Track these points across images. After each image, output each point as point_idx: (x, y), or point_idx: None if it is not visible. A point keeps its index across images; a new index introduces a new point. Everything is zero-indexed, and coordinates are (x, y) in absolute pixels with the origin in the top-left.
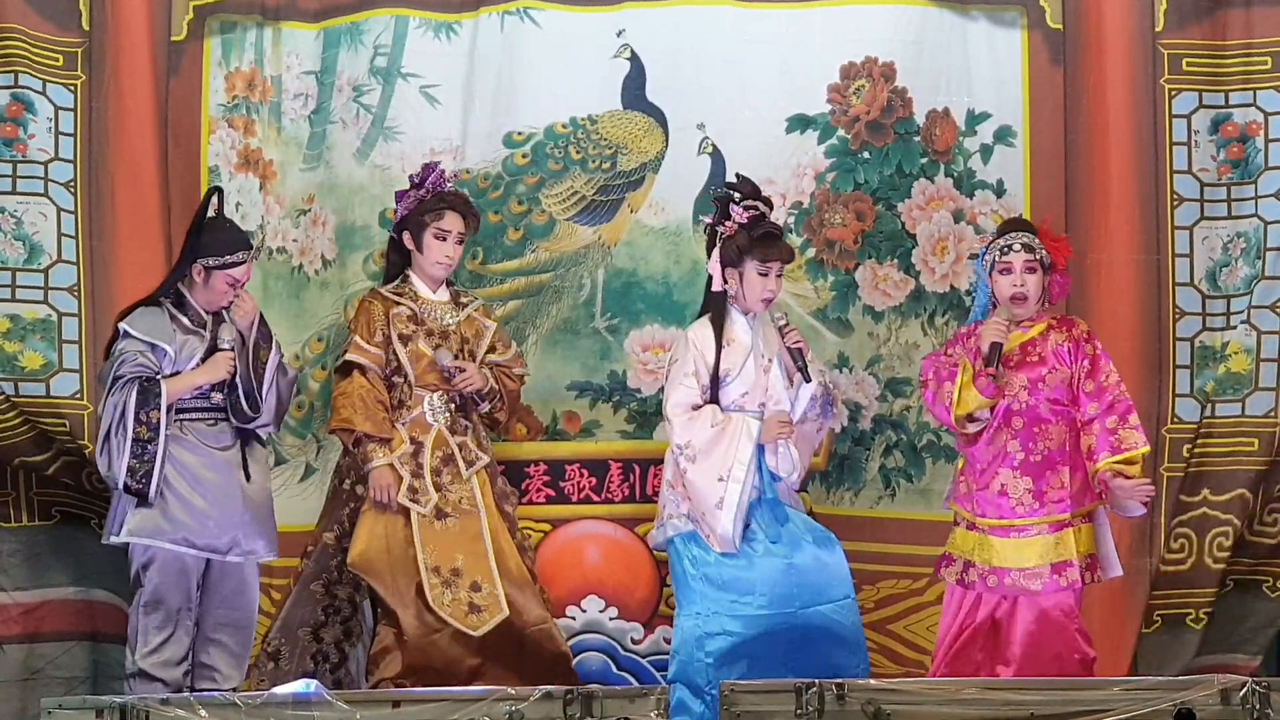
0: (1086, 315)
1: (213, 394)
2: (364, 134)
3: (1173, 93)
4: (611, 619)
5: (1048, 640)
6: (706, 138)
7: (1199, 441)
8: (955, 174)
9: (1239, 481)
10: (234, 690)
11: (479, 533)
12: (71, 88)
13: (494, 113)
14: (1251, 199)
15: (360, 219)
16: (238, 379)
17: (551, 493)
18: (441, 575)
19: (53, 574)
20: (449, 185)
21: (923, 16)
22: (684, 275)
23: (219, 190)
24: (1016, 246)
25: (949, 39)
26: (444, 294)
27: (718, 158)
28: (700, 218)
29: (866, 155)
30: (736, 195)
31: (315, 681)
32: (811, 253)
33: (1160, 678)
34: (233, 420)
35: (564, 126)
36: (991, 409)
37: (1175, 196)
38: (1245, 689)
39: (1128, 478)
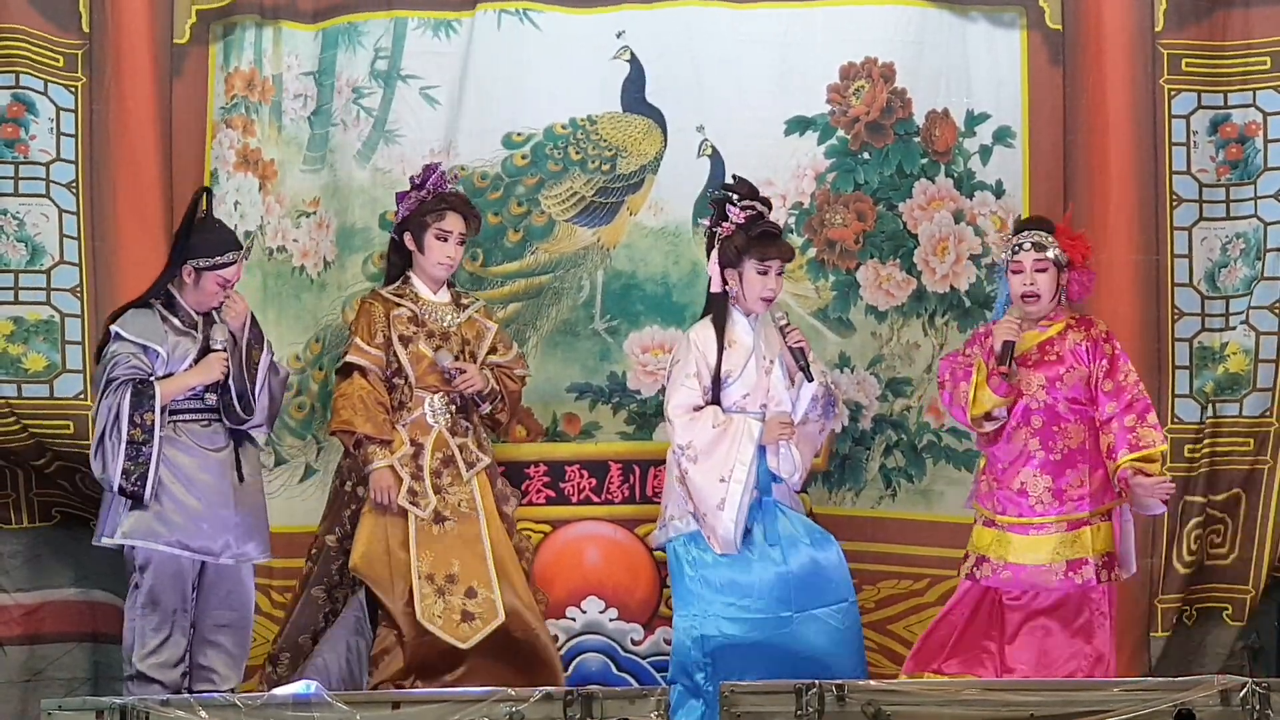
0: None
1: (206, 395)
2: (364, 136)
3: (1172, 93)
4: (611, 620)
5: (1063, 630)
6: (706, 139)
7: (1205, 442)
8: (955, 174)
9: (1235, 482)
10: (232, 691)
11: (478, 536)
12: (73, 89)
13: (493, 114)
14: (1250, 199)
15: (360, 221)
16: (230, 380)
17: (551, 494)
18: (435, 583)
19: (53, 575)
20: (449, 186)
21: (922, 17)
22: (683, 277)
23: (208, 191)
24: (1027, 245)
25: (948, 39)
26: (445, 295)
27: (717, 159)
28: (699, 219)
29: (866, 156)
30: (734, 196)
31: (315, 682)
32: (812, 253)
33: (1160, 678)
34: (226, 422)
35: (563, 127)
36: (1009, 408)
37: (1174, 197)
38: (1245, 690)
39: (1147, 475)
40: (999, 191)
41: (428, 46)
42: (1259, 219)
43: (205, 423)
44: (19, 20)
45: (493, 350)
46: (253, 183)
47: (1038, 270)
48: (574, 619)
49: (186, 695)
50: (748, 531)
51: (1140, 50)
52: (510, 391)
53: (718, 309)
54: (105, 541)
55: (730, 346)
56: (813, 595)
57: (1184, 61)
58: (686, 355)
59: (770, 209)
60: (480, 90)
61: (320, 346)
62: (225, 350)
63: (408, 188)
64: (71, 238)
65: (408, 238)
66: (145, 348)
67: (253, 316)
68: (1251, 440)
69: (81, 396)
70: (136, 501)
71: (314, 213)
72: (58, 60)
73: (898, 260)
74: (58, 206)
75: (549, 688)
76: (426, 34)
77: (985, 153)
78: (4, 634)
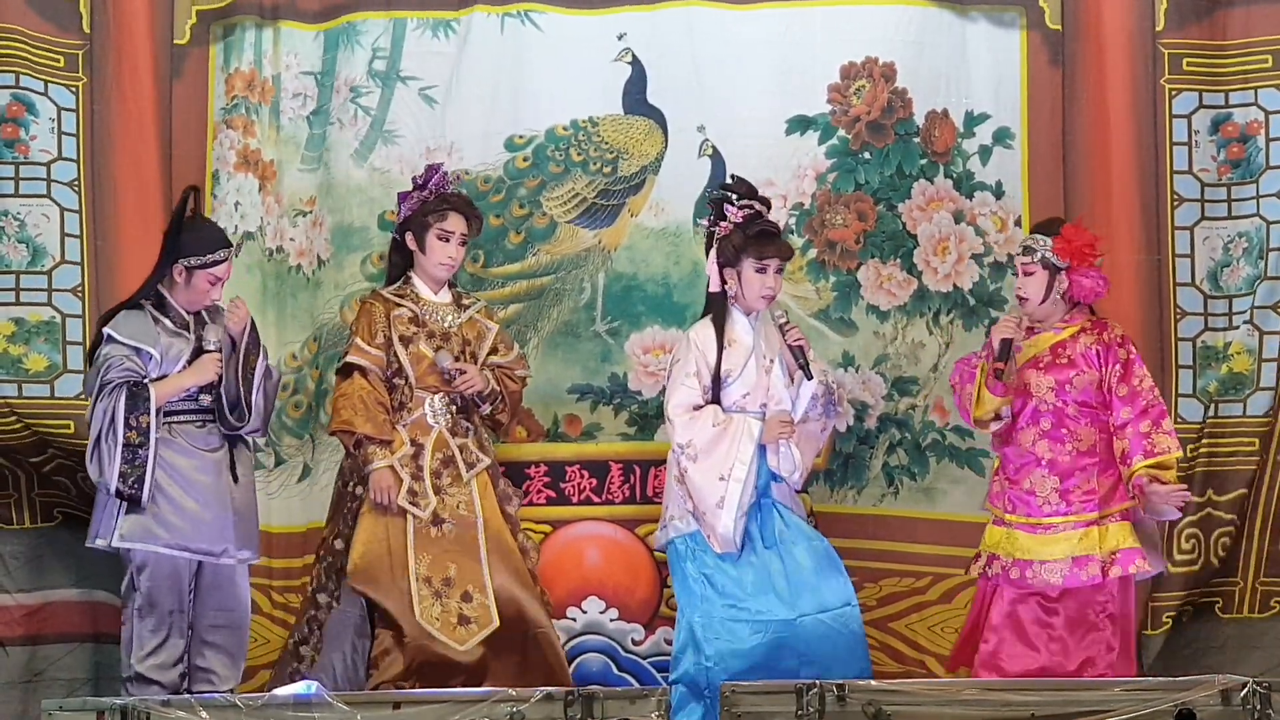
0: None
1: (201, 396)
2: (362, 136)
3: (1173, 93)
4: (612, 620)
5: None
6: (706, 140)
7: (1204, 441)
8: (955, 175)
9: (1240, 481)
10: (232, 692)
11: (475, 540)
12: (73, 89)
13: (494, 115)
14: (1253, 198)
15: (358, 220)
16: (223, 387)
17: (552, 494)
18: (433, 586)
19: (55, 576)
20: (451, 187)
21: (923, 17)
22: (684, 277)
23: (195, 190)
24: (1020, 249)
25: (948, 39)
26: (445, 295)
27: (718, 159)
28: (699, 220)
29: (867, 156)
30: (732, 196)
31: (315, 683)
32: (813, 253)
33: (1161, 678)
34: (221, 427)
35: (565, 129)
36: (1013, 408)
37: (1175, 197)
38: (1246, 689)
39: (1163, 483)
40: (999, 192)
41: (427, 47)
42: (1261, 218)
43: (200, 423)
44: (19, 21)
45: (494, 351)
46: (253, 183)
47: (1025, 273)
48: (574, 619)
49: (187, 696)
50: (747, 531)
51: (1141, 50)
52: (511, 392)
53: (717, 308)
54: (99, 544)
55: (730, 346)
56: (815, 598)
57: (1185, 61)
58: (686, 354)
59: (769, 208)
60: (482, 92)
61: (317, 345)
62: (218, 351)
63: (406, 188)
64: (73, 237)
65: (409, 238)
66: (138, 350)
67: (252, 322)
68: (1257, 440)
69: (82, 397)
70: (134, 504)
71: (310, 212)
72: (58, 61)
73: (898, 260)
74: (59, 206)
75: (549, 688)
76: (426, 35)
77: (985, 153)
78: (6, 634)
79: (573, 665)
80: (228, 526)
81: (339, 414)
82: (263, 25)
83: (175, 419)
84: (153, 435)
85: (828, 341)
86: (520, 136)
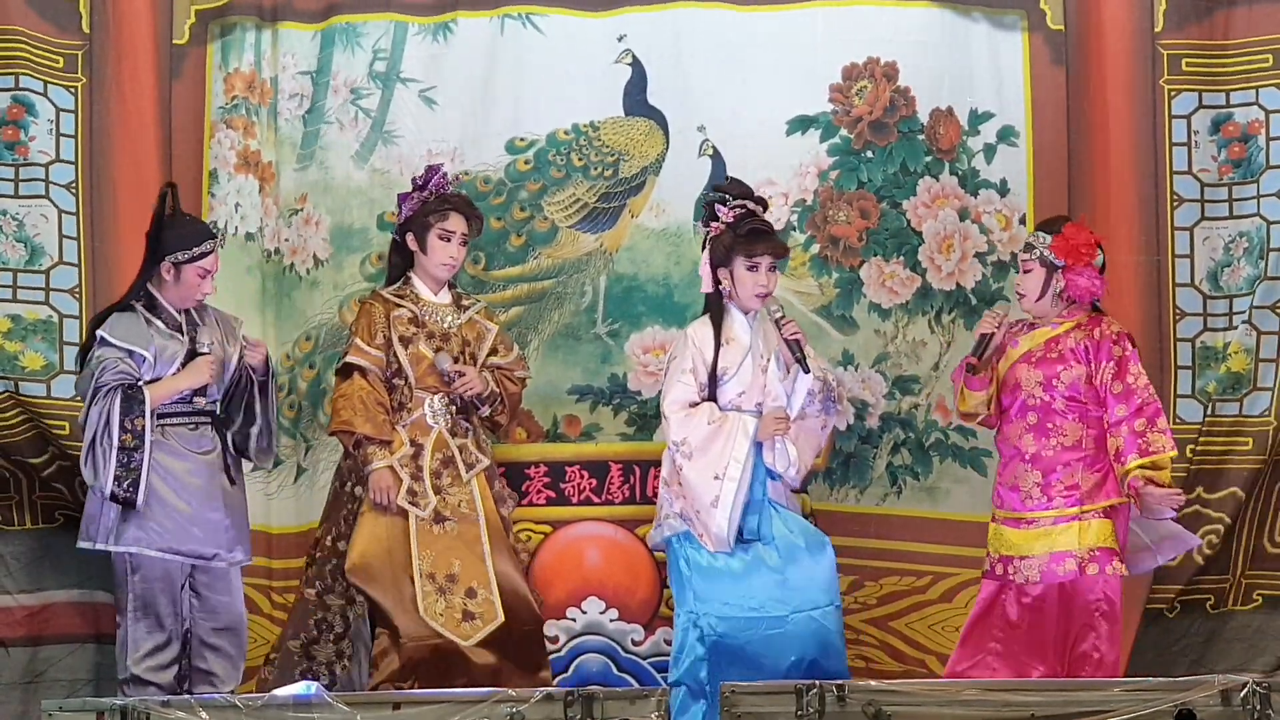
0: None
1: (195, 398)
2: (362, 137)
3: (1172, 93)
4: (612, 620)
5: (1064, 621)
6: (707, 140)
7: (1201, 440)
8: (960, 173)
9: (1232, 480)
10: (232, 693)
11: (477, 537)
12: (72, 90)
13: (495, 118)
14: (1253, 198)
15: (358, 221)
16: (256, 426)
17: (552, 494)
18: (436, 582)
19: (56, 576)
20: (451, 187)
21: (925, 17)
22: (685, 277)
23: (173, 186)
24: (1022, 245)
25: (951, 39)
26: (445, 296)
27: (718, 160)
28: (700, 221)
29: (870, 154)
30: (725, 197)
31: (315, 683)
32: (816, 250)
33: (1161, 678)
34: (238, 451)
35: (566, 133)
36: (995, 402)
37: (1175, 197)
38: (1246, 689)
39: (1158, 484)
40: (1003, 190)
41: (428, 50)
42: (1262, 217)
43: (193, 426)
44: (18, 22)
45: (493, 351)
46: (253, 184)
47: (1025, 270)
48: (574, 619)
49: (187, 696)
50: (741, 530)
51: (1140, 51)
52: (510, 393)
53: (715, 307)
54: (86, 545)
55: (727, 344)
56: (805, 596)
57: (1184, 61)
58: (683, 351)
59: (766, 209)
60: (483, 95)
61: (311, 344)
62: (211, 353)
63: (406, 189)
64: (71, 238)
65: (410, 238)
66: (131, 352)
67: (266, 354)
68: (1251, 440)
69: (77, 398)
70: (128, 507)
71: (301, 209)
72: (58, 61)
73: (901, 258)
74: (57, 207)
75: (549, 688)
76: (427, 38)
77: (989, 151)
78: (7, 635)
79: (573, 665)
80: (220, 529)
81: (339, 414)
82: (262, 26)
83: (168, 421)
84: (147, 438)
85: (829, 339)
86: (521, 139)
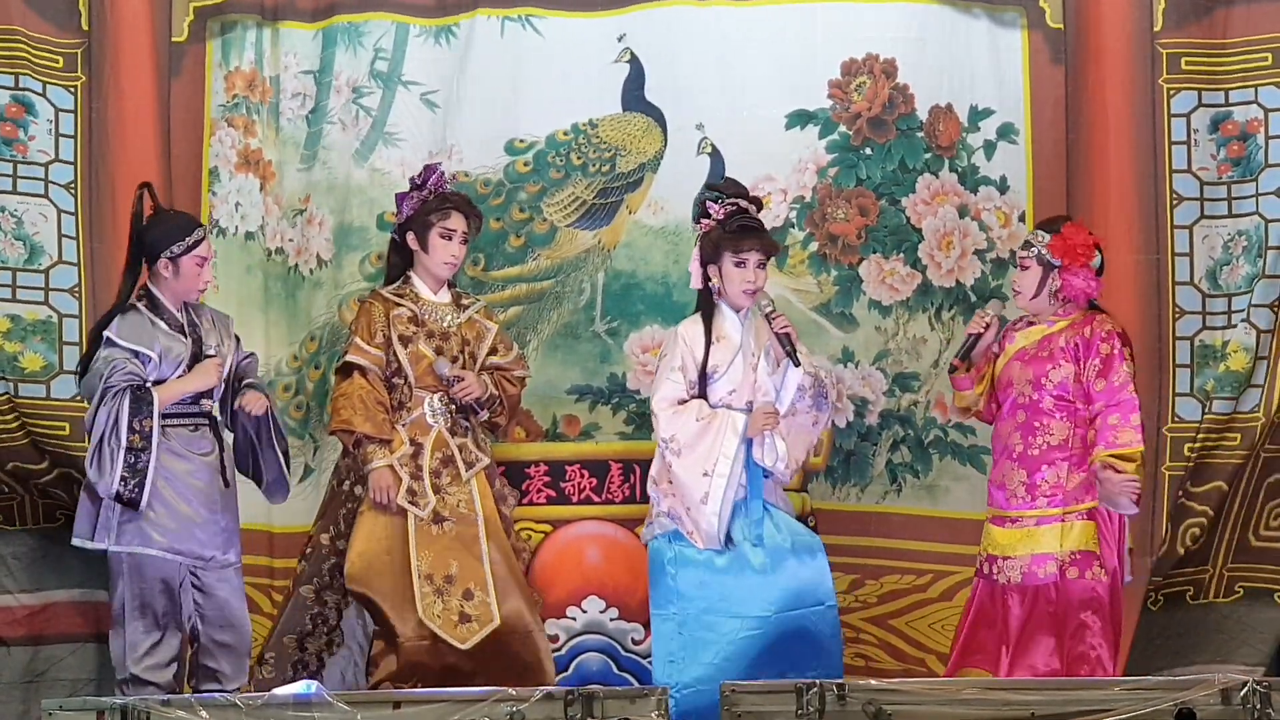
0: None
1: (202, 400)
2: (363, 136)
3: (1171, 92)
4: (612, 619)
5: (1050, 626)
6: (705, 137)
7: (1199, 438)
8: (959, 170)
9: (1216, 473)
10: (237, 690)
11: (476, 539)
12: (72, 89)
13: (495, 119)
14: (1252, 196)
15: (358, 220)
16: (266, 470)
17: (552, 493)
18: (434, 583)
19: (58, 576)
20: (449, 186)
21: (924, 14)
22: (683, 275)
23: (148, 186)
24: (1021, 243)
25: (950, 36)
26: (445, 295)
27: (717, 157)
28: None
29: (868, 151)
30: (718, 195)
31: (316, 682)
32: (814, 247)
33: (1161, 678)
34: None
35: (565, 134)
36: (987, 399)
37: (1174, 196)
38: (1246, 689)
39: (1118, 471)
40: (1003, 187)
41: (429, 53)
42: (1261, 216)
43: (193, 427)
44: (18, 21)
45: (493, 351)
46: (253, 184)
47: (1022, 267)
48: (574, 619)
49: (187, 695)
50: (731, 527)
51: (1139, 50)
52: (509, 395)
53: (706, 304)
54: (78, 542)
55: (718, 342)
56: (795, 596)
57: (1183, 60)
58: (673, 349)
59: (760, 208)
60: (483, 96)
61: (316, 344)
62: (218, 355)
63: (405, 189)
64: (70, 237)
65: (410, 237)
66: (137, 353)
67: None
68: (1240, 435)
69: (78, 398)
70: (132, 508)
71: (305, 209)
72: (57, 61)
73: (901, 255)
74: (56, 207)
75: (549, 688)
76: (428, 40)
77: (989, 148)
78: (8, 634)
79: (572, 665)
80: (217, 530)
81: (338, 413)
82: (262, 25)
83: (169, 423)
84: (155, 439)
85: (828, 336)
86: (521, 140)
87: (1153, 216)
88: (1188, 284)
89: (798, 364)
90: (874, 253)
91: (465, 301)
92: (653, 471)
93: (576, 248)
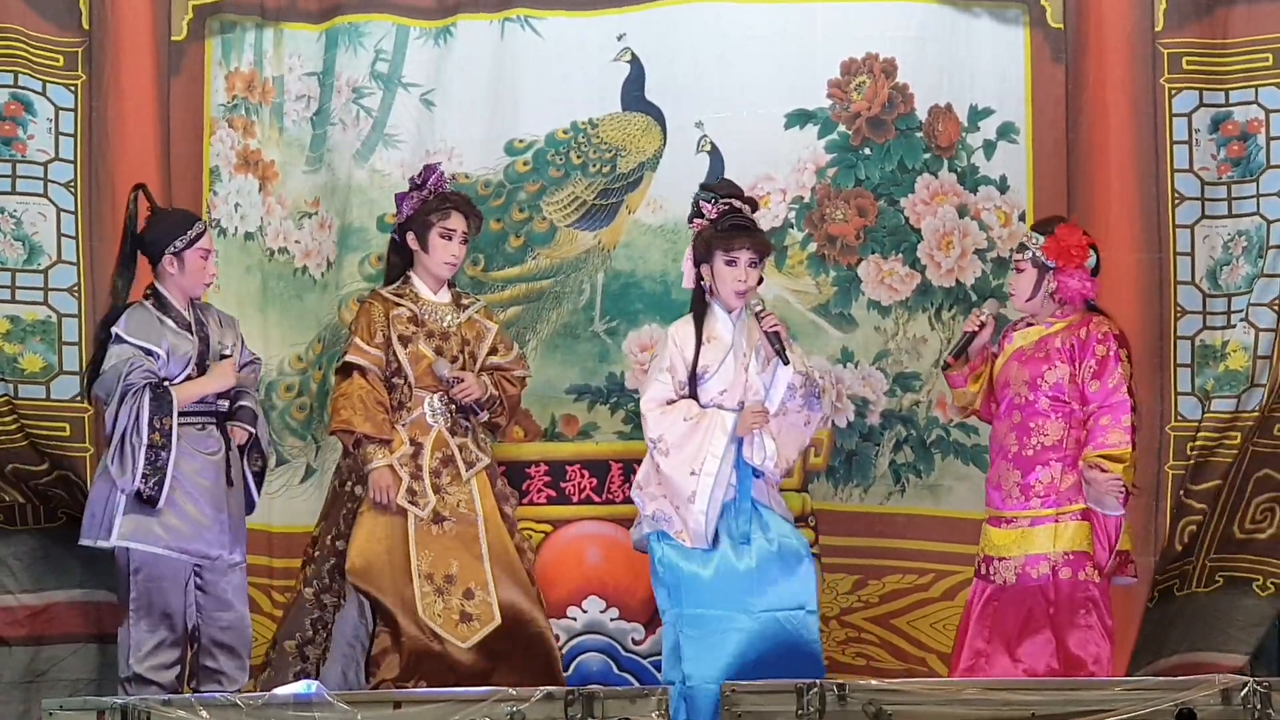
0: None
1: (219, 401)
2: (363, 136)
3: (1173, 92)
4: (612, 619)
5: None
6: (705, 136)
7: (1199, 437)
8: (959, 169)
9: (1214, 472)
10: (238, 691)
11: (476, 537)
12: (71, 88)
13: (495, 119)
14: (1253, 197)
15: (358, 220)
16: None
17: (552, 493)
18: (434, 583)
19: (59, 576)
20: (448, 185)
21: (924, 13)
22: (681, 274)
23: (143, 187)
24: (1017, 245)
25: (951, 35)
26: (445, 295)
27: (716, 156)
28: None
29: (868, 151)
30: (712, 195)
31: (316, 682)
32: (813, 248)
33: (1161, 677)
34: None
35: (565, 133)
36: (984, 398)
37: (1176, 195)
38: (1246, 689)
39: (1104, 470)
40: (1003, 187)
41: (429, 54)
42: (1261, 216)
43: (201, 426)
44: (17, 20)
45: (493, 351)
46: (253, 184)
47: (1018, 269)
48: (575, 619)
49: (188, 695)
50: (720, 527)
51: (1140, 50)
52: (509, 395)
53: (699, 304)
54: (101, 543)
55: (709, 342)
56: (775, 597)
57: (1184, 60)
58: (663, 350)
59: (755, 208)
60: (482, 97)
61: (321, 346)
62: (232, 356)
63: (405, 190)
64: (69, 237)
65: (410, 237)
66: (148, 350)
67: (256, 418)
68: (1240, 435)
69: (78, 399)
70: (151, 505)
71: (315, 213)
72: (57, 60)
73: (900, 255)
74: (56, 206)
75: (549, 687)
76: (428, 42)
77: (989, 148)
78: (9, 635)
79: (573, 665)
80: (224, 530)
81: (338, 413)
82: (263, 25)
83: (178, 421)
84: (174, 438)
85: (827, 336)
86: (520, 140)
87: (1154, 215)
88: (1189, 283)
89: (786, 362)
90: (872, 253)
91: (465, 301)
92: (638, 476)
93: (576, 248)
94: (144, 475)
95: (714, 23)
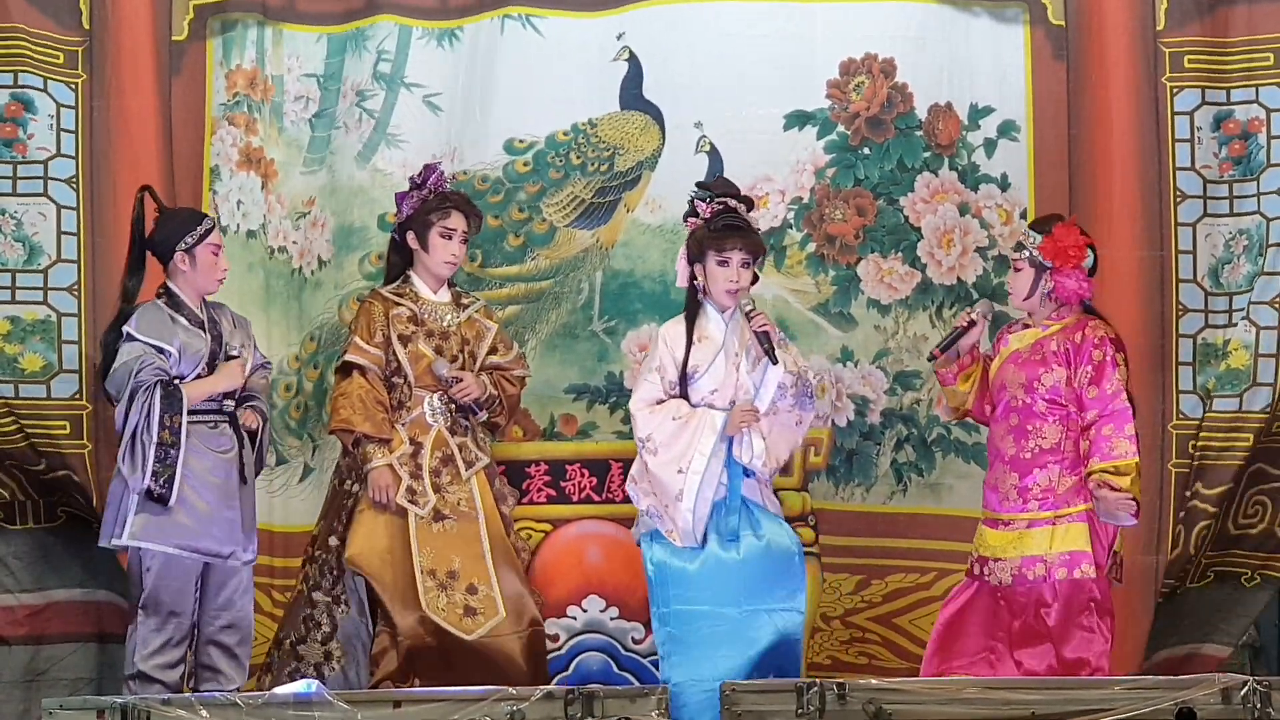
0: None
1: (225, 399)
2: (365, 138)
3: (1174, 90)
4: (612, 619)
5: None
6: (704, 136)
7: (1200, 436)
8: (959, 168)
9: (1228, 476)
10: (236, 690)
11: (477, 535)
12: (73, 86)
13: (495, 119)
14: (1254, 196)
15: (359, 220)
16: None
17: (552, 492)
18: (437, 578)
19: (59, 575)
20: (448, 185)
21: (924, 13)
22: None
23: (149, 188)
24: (1015, 244)
25: (951, 34)
26: (445, 294)
27: (715, 155)
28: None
29: (867, 151)
30: (707, 194)
31: (316, 682)
32: (812, 248)
33: (1161, 677)
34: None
35: (565, 134)
36: (971, 397)
37: (1178, 193)
38: (1246, 688)
39: (1114, 489)
40: (1004, 185)
41: (432, 55)
42: (1262, 215)
43: (213, 424)
44: (19, 19)
45: (493, 350)
46: (255, 181)
47: (1015, 269)
48: (575, 618)
49: (188, 694)
50: (710, 526)
51: (1142, 48)
52: (509, 395)
53: (691, 303)
54: (116, 543)
55: (700, 341)
56: (761, 595)
57: (1186, 59)
58: (654, 350)
59: (750, 208)
60: (483, 96)
61: (315, 344)
62: (242, 356)
63: (406, 189)
64: (70, 234)
65: (410, 237)
66: (159, 348)
67: (262, 413)
68: (1250, 436)
69: (78, 397)
70: (162, 503)
71: (309, 213)
72: (58, 58)
73: (900, 254)
74: (56, 204)
75: (549, 687)
76: (430, 42)
77: (990, 146)
78: (9, 634)
79: (573, 664)
80: (235, 528)
81: (338, 413)
82: (264, 24)
83: (190, 419)
84: (183, 436)
85: (826, 336)
86: (520, 140)
87: (1155, 213)
88: (1190, 281)
89: (775, 362)
90: (872, 252)
91: (465, 301)
92: (633, 471)
93: (575, 247)
94: (154, 473)
95: (713, 22)
